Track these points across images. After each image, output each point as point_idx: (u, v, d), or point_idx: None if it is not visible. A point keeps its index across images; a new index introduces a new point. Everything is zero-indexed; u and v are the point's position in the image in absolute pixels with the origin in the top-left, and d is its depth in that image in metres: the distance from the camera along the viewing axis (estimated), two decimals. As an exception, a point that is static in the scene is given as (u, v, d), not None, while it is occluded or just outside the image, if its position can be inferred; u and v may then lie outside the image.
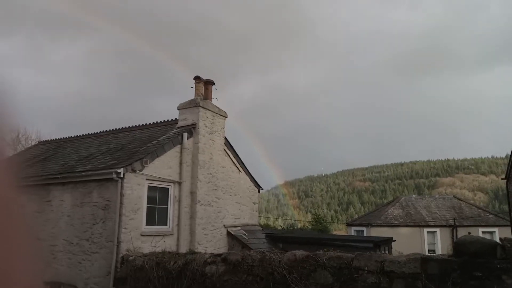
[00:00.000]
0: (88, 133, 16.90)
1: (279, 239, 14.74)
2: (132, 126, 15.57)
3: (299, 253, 6.81)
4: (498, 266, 5.20)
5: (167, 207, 11.63)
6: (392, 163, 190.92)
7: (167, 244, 11.12)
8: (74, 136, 17.31)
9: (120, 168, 10.16)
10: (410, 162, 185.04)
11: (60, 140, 17.82)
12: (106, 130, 16.34)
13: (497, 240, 5.67)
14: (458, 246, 5.58)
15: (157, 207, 11.32)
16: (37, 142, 20.58)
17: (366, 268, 6.06)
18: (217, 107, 13.66)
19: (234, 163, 14.43)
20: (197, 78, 13.44)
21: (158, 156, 11.31)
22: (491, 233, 25.05)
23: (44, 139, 20.51)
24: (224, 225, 13.42)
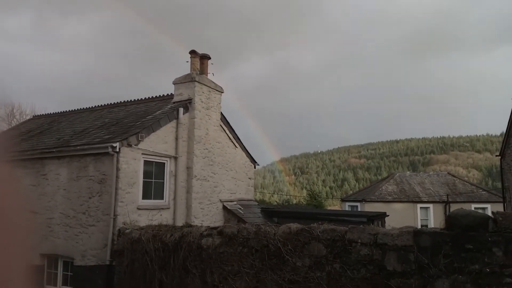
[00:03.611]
0: (83, 108, 16.77)
1: (274, 213, 14.91)
2: (127, 100, 15.44)
3: (294, 226, 6.89)
4: (489, 239, 5.29)
5: (163, 182, 11.68)
6: (387, 141, 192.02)
7: (164, 218, 11.23)
8: (69, 110, 17.18)
9: (115, 142, 10.13)
10: (406, 139, 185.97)
11: (55, 114, 17.69)
12: (101, 105, 16.22)
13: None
14: (451, 219, 5.66)
15: (153, 181, 11.37)
16: (31, 117, 20.43)
17: (359, 241, 6.16)
18: (213, 82, 13.54)
19: (230, 138, 14.42)
20: (192, 52, 13.26)
21: (153, 131, 11.28)
22: (484, 209, 25.43)
23: (39, 114, 20.34)
24: (220, 200, 13.53)
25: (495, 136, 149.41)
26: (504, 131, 19.44)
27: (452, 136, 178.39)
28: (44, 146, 12.23)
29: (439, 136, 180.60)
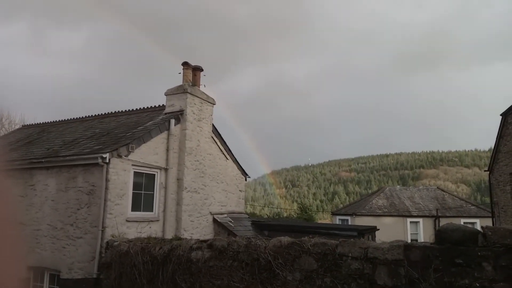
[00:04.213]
0: (73, 118, 16.65)
1: (265, 226, 14.83)
2: (118, 111, 15.37)
3: (285, 239, 6.85)
4: (479, 253, 5.30)
5: (153, 193, 11.57)
6: (377, 154, 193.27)
7: (153, 230, 11.10)
8: (59, 120, 17.05)
9: (105, 153, 10.05)
10: (395, 153, 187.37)
11: (44, 124, 17.53)
12: (92, 115, 16.12)
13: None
14: (441, 234, 5.67)
15: (143, 193, 11.26)
16: (21, 126, 20.22)
17: (350, 255, 6.14)
18: (205, 94, 13.56)
19: (221, 150, 14.39)
20: (185, 64, 13.29)
21: (144, 142, 11.21)
22: (473, 224, 25.58)
23: (28, 123, 20.14)
24: (210, 212, 13.43)
25: (484, 151, 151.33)
26: (492, 147, 19.70)
27: (441, 151, 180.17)
28: (32, 156, 12.08)
29: (428, 151, 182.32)
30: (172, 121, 12.19)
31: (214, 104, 13.94)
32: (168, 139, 12.05)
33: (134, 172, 10.91)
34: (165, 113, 12.85)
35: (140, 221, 10.88)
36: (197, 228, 12.73)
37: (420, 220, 26.91)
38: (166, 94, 13.09)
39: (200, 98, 13.23)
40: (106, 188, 9.97)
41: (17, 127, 23.95)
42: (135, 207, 10.89)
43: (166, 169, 11.86)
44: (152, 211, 11.44)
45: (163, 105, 13.45)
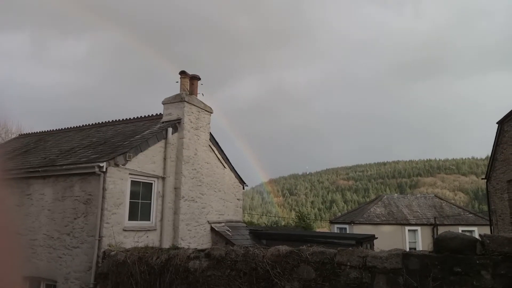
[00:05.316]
0: (70, 127, 16.62)
1: (263, 235, 14.76)
2: (116, 120, 15.36)
3: (283, 248, 6.82)
4: (478, 261, 5.29)
5: (151, 202, 11.52)
6: (375, 163, 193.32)
7: (150, 240, 11.03)
8: (56, 129, 17.00)
9: (102, 162, 10.01)
10: (393, 161, 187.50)
11: (41, 133, 17.48)
12: (89, 124, 16.10)
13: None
14: (439, 242, 5.66)
15: (140, 202, 11.21)
16: (17, 135, 20.15)
17: (348, 264, 6.10)
18: (203, 103, 13.58)
19: (219, 159, 14.37)
20: (182, 73, 13.32)
21: (142, 151, 11.19)
22: (471, 232, 25.54)
23: (25, 132, 20.08)
24: (208, 221, 13.37)
25: (481, 159, 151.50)
26: (489, 154, 19.75)
27: (438, 159, 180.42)
28: (29, 166, 12.02)
29: (425, 159, 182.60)
30: (170, 129, 12.19)
31: (211, 113, 13.95)
32: (165, 147, 12.04)
33: (131, 181, 10.87)
34: (163, 122, 12.85)
35: (137, 230, 10.81)
36: (194, 237, 12.66)
37: (418, 228, 26.86)
38: (164, 103, 13.11)
39: (197, 106, 13.25)
40: (103, 197, 9.92)
41: (13, 136, 23.87)
42: (132, 216, 10.84)
43: (163, 178, 11.83)
44: (149, 220, 11.38)
45: (160, 113, 13.45)
